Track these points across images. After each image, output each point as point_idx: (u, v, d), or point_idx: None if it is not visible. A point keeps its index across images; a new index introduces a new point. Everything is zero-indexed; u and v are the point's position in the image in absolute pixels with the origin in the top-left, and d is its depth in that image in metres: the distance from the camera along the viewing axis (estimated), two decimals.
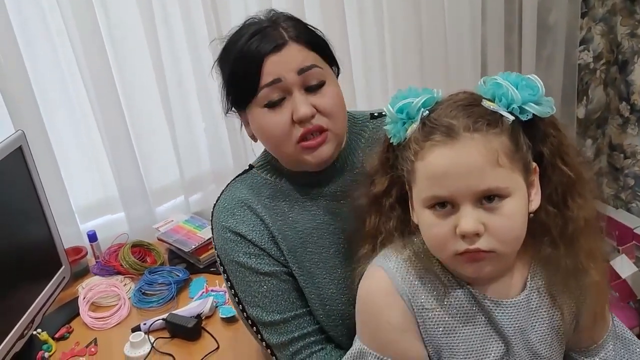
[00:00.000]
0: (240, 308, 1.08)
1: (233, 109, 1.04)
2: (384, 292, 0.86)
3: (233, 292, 1.08)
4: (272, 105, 0.97)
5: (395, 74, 2.01)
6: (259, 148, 1.84)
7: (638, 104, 2.25)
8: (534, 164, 0.82)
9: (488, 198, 0.76)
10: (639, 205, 2.38)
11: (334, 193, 1.06)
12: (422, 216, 0.81)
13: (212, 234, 1.10)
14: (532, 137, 0.81)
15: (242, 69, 0.97)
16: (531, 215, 0.82)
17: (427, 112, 0.81)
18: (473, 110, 0.78)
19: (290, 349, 1.04)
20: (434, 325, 0.85)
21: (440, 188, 0.77)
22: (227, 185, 1.13)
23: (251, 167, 1.13)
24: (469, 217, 0.76)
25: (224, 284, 1.12)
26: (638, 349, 0.97)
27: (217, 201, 1.11)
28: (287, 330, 1.04)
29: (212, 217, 1.10)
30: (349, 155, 1.07)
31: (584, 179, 0.85)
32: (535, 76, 0.80)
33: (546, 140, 0.82)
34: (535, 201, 0.82)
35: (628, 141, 2.35)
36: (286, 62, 0.94)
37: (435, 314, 0.85)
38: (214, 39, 1.04)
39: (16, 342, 1.34)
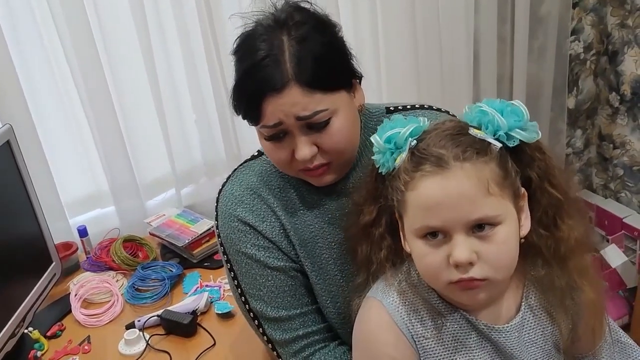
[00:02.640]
0: (243, 300, 1.06)
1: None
2: (385, 326, 0.85)
3: (236, 284, 1.06)
4: (273, 139, 0.94)
5: (389, 63, 1.99)
6: (250, 140, 1.85)
7: (627, 95, 2.26)
8: (523, 190, 0.83)
9: (479, 227, 0.77)
10: (628, 195, 2.40)
11: (346, 190, 1.03)
12: (414, 246, 0.81)
13: (217, 220, 1.06)
14: (519, 162, 0.82)
15: (244, 99, 0.93)
16: (522, 240, 0.82)
17: (415, 141, 0.81)
18: (461, 140, 0.79)
19: (294, 347, 1.03)
20: (435, 352, 0.85)
21: (432, 218, 0.77)
22: (234, 171, 1.08)
23: (260, 153, 1.08)
24: (462, 247, 0.76)
25: (226, 274, 1.09)
26: (635, 353, 0.98)
27: (223, 187, 1.07)
28: (292, 328, 1.03)
29: (217, 203, 1.06)
30: (364, 152, 1.03)
31: (571, 200, 0.86)
32: (520, 102, 0.81)
33: (533, 165, 0.83)
34: (526, 226, 0.83)
35: (617, 131, 2.36)
36: (286, 107, 0.89)
37: (435, 342, 0.85)
38: (232, 13, 0.98)
39: (7, 341, 1.31)
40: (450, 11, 1.98)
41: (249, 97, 0.91)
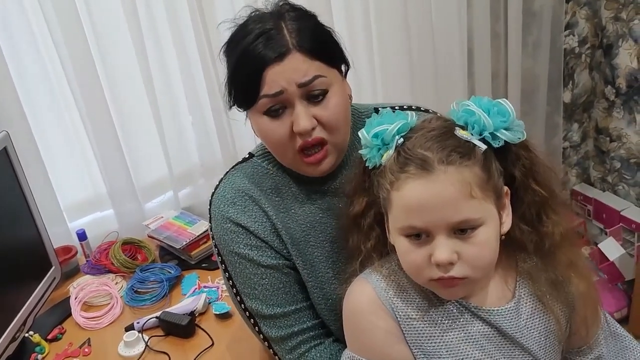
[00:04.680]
0: (239, 300, 1.07)
1: (235, 105, 1.01)
2: (369, 300, 0.88)
3: (231, 284, 1.07)
4: (272, 114, 0.95)
5: (383, 62, 1.99)
6: (246, 141, 1.86)
7: (623, 88, 2.26)
8: (506, 188, 0.84)
9: (461, 228, 0.79)
10: (625, 188, 2.41)
11: (336, 189, 1.05)
12: (397, 242, 0.84)
13: (210, 223, 1.08)
14: (503, 160, 0.84)
15: (243, 75, 0.95)
16: (502, 237, 0.84)
17: (402, 139, 0.82)
18: (446, 142, 0.80)
19: (290, 343, 1.04)
20: (418, 333, 0.87)
21: (415, 219, 0.79)
22: (225, 174, 1.10)
23: (251, 155, 1.10)
24: (443, 248, 0.78)
25: (221, 275, 1.11)
26: (630, 343, 0.99)
27: (215, 190, 1.09)
28: (287, 324, 1.04)
29: (210, 206, 1.08)
30: (353, 152, 1.04)
31: (556, 195, 0.87)
32: (506, 100, 0.82)
33: (518, 163, 0.84)
34: (507, 223, 0.85)
35: (614, 124, 2.37)
36: (288, 74, 0.92)
37: (419, 324, 0.87)
38: (221, 22, 1.00)
39: (8, 345, 1.32)
40: (443, 8, 1.98)
41: (249, 70, 0.93)
